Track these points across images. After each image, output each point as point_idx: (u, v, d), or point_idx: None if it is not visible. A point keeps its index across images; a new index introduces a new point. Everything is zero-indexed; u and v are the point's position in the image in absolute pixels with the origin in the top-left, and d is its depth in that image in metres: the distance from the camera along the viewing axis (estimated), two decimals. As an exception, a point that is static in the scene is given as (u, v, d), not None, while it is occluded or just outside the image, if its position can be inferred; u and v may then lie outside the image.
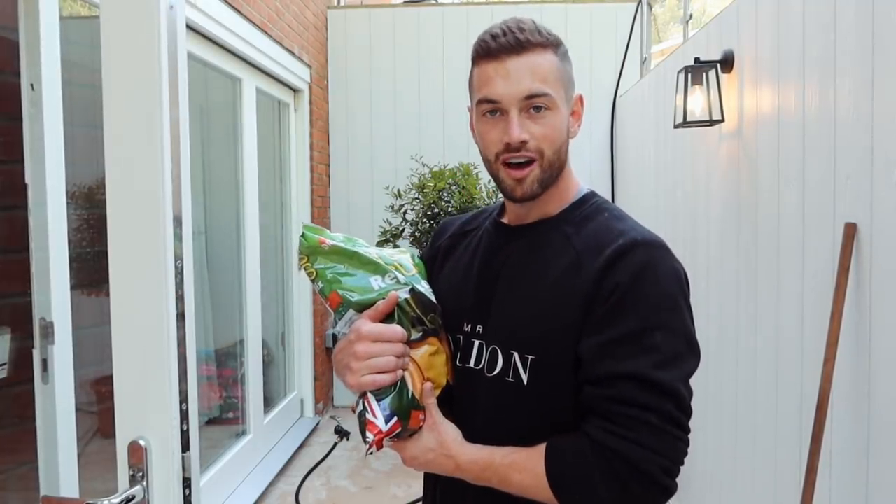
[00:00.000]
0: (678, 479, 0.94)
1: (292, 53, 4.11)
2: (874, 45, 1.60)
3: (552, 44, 1.04)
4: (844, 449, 1.73)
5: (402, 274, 1.06)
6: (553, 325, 0.99)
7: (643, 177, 3.95)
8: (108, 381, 0.99)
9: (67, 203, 1.86)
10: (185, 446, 0.98)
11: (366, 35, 4.99)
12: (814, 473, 1.75)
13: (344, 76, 5.00)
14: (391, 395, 0.97)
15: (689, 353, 0.96)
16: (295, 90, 4.42)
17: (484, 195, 4.21)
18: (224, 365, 3.60)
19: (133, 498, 0.93)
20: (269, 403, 3.93)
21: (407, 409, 0.98)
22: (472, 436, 1.06)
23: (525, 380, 1.01)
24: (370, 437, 0.96)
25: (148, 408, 0.95)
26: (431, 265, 1.23)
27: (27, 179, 1.76)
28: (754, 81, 2.31)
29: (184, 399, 0.97)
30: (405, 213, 4.21)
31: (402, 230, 4.19)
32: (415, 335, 1.01)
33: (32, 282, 1.78)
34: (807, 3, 1.93)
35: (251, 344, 3.68)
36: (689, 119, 2.55)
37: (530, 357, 1.01)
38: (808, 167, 1.93)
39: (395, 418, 0.97)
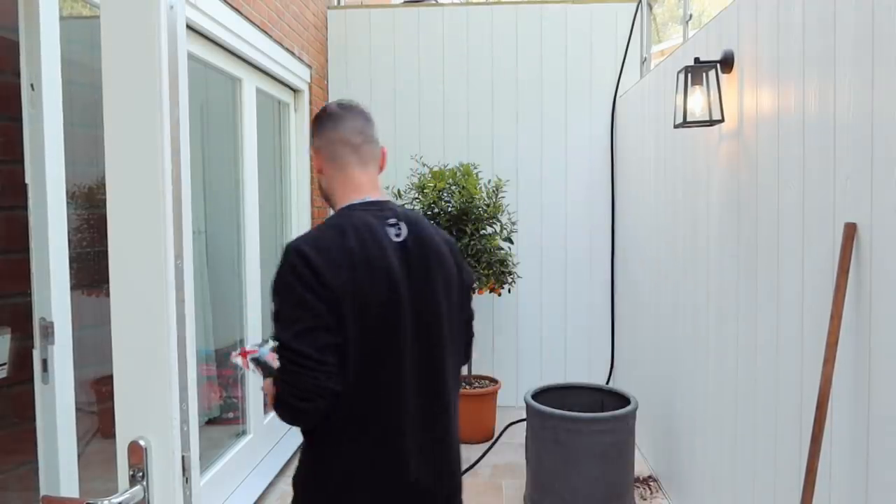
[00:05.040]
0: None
1: (292, 53, 4.11)
2: (874, 45, 1.60)
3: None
4: (844, 449, 1.73)
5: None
6: None
7: (643, 177, 3.95)
8: (108, 381, 0.99)
9: (67, 203, 1.86)
10: (185, 446, 0.98)
11: (366, 35, 4.99)
12: (814, 473, 1.75)
13: (344, 76, 5.00)
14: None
15: (292, 319, 1.41)
16: (295, 90, 4.42)
17: (484, 195, 4.21)
18: (224, 365, 3.59)
19: (133, 498, 0.94)
20: (269, 403, 3.93)
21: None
22: None
23: None
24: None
25: (148, 408, 0.95)
26: None
27: (27, 179, 1.76)
28: (754, 81, 2.31)
29: (184, 399, 0.97)
30: (405, 213, 4.20)
31: (402, 230, 4.17)
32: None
33: (32, 282, 1.78)
34: (807, 3, 1.94)
35: (251, 344, 3.67)
36: (689, 119, 2.55)
37: None
38: (808, 167, 1.93)
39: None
